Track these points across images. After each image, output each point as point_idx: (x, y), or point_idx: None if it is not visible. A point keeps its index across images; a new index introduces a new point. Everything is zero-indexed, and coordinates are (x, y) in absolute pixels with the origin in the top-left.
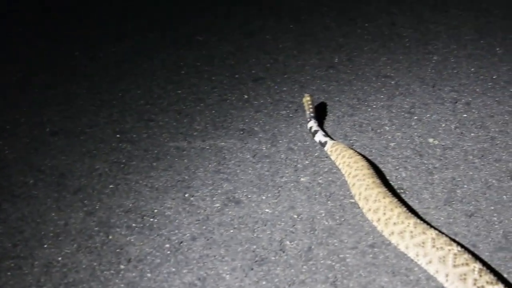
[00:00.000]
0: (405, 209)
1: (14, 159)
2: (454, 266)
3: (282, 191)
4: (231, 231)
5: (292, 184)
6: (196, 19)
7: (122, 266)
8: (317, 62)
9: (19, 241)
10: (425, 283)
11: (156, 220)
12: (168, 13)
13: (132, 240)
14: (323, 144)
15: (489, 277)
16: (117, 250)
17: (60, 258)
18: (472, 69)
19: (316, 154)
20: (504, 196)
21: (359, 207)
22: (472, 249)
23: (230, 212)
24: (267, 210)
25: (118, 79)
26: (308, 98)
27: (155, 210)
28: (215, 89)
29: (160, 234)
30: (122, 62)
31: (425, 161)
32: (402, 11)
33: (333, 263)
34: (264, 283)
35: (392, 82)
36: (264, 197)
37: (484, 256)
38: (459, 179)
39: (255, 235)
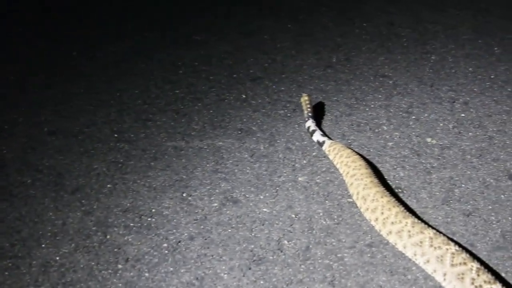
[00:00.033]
0: (403, 208)
1: (11, 159)
2: (452, 265)
3: (280, 190)
4: (229, 230)
5: (290, 184)
6: (196, 19)
7: (120, 266)
8: (315, 62)
9: (17, 240)
10: (423, 283)
11: (154, 219)
12: (168, 13)
13: (130, 239)
14: (321, 144)
15: (486, 276)
16: (115, 250)
17: (58, 258)
18: (470, 69)
19: (314, 153)
20: (502, 196)
21: (357, 207)
22: (470, 248)
23: (228, 212)
24: (265, 209)
25: (116, 79)
26: (306, 98)
27: (153, 210)
28: (213, 89)
29: (158, 233)
30: (120, 62)
31: (423, 161)
32: (400, 10)
33: (331, 263)
34: (262, 282)
35: (390, 82)
36: (262, 197)
37: (482, 255)
38: (457, 179)
39: (253, 234)
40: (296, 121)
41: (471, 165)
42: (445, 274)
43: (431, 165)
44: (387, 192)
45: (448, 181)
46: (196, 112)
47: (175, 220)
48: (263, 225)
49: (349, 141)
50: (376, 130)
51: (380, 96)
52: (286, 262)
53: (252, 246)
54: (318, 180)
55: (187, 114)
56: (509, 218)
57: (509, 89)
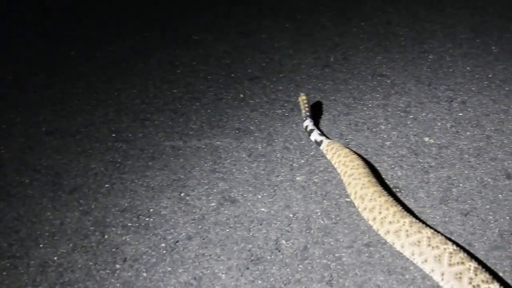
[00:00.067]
0: (400, 208)
1: (9, 159)
2: (450, 265)
3: (278, 190)
4: (227, 230)
5: (288, 183)
6: (196, 19)
7: (117, 266)
8: (312, 61)
9: (15, 240)
10: (421, 282)
11: (151, 219)
12: (168, 13)
13: (128, 239)
14: (318, 143)
15: (484, 276)
16: (113, 250)
17: (55, 258)
18: (468, 68)
19: (311, 153)
20: (500, 195)
21: (354, 206)
22: (467, 248)
23: (225, 211)
24: (262, 209)
25: (114, 78)
26: (304, 97)
27: (151, 210)
28: (211, 88)
29: (155, 233)
30: (119, 61)
31: (420, 160)
32: (398, 10)
33: (329, 262)
34: (259, 282)
35: (388, 81)
36: (259, 196)
37: (480, 255)
38: (454, 178)
39: (250, 234)
40: (294, 120)
41: (469, 164)
42: (443, 274)
43: (429, 165)
44: (385, 192)
45: (446, 181)
46: (194, 111)
47: (173, 220)
48: (261, 224)
49: (347, 140)
50: (374, 130)
51: (378, 95)
52: (284, 261)
53: (250, 246)
54: (316, 180)
55: (185, 113)
56: (507, 218)
57: (507, 88)
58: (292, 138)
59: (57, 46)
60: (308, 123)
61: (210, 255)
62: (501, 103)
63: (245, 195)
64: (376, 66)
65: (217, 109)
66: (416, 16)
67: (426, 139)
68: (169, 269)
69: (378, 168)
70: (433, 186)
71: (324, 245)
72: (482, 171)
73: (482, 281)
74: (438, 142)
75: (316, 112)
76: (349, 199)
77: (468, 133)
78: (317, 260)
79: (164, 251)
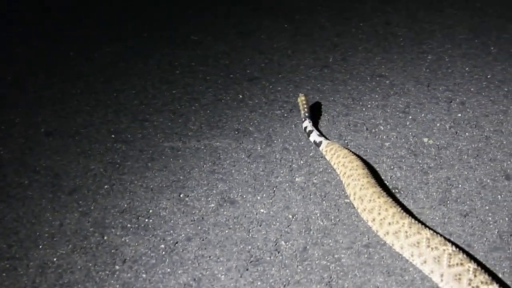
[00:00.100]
0: (400, 209)
1: (9, 160)
2: (449, 266)
3: (277, 191)
4: (226, 231)
5: (287, 184)
6: (195, 19)
7: (117, 267)
8: (311, 62)
9: (14, 241)
10: (420, 283)
11: (151, 220)
12: (168, 13)
13: (127, 240)
14: (318, 144)
15: (483, 277)
16: (112, 251)
17: (55, 259)
18: (467, 69)
19: (311, 154)
20: (499, 196)
21: (354, 207)
22: (467, 249)
23: (225, 212)
24: (262, 210)
25: (113, 79)
26: (303, 98)
27: (150, 211)
28: (210, 89)
29: (155, 234)
30: (118, 62)
31: (420, 161)
32: (397, 10)
33: (328, 263)
34: (259, 283)
35: (387, 82)
36: (259, 197)
37: (479, 256)
38: (454, 179)
39: (250, 235)
40: (293, 121)
41: (468, 165)
42: (442, 275)
43: (428, 165)
44: (384, 193)
45: (445, 182)
46: (193, 112)
47: (172, 221)
48: (260, 225)
49: (346, 141)
50: (373, 130)
51: (377, 96)
52: (283, 263)
53: (249, 247)
54: (315, 181)
55: (184, 114)
56: (506, 219)
57: (506, 89)
58: (291, 139)
59: (56, 46)
60: (307, 124)
61: (210, 256)
62: (500, 104)
63: (244, 196)
64: (375, 66)
65: (216, 109)
66: (415, 17)
67: (425, 140)
68: (169, 270)
69: (377, 169)
70: (432, 187)
71: (323, 246)
72: (481, 172)
73: (482, 282)
74: (437, 143)
75: (315, 113)
76: (348, 200)
77: (467, 133)
78: (317, 261)
79: (164, 252)
